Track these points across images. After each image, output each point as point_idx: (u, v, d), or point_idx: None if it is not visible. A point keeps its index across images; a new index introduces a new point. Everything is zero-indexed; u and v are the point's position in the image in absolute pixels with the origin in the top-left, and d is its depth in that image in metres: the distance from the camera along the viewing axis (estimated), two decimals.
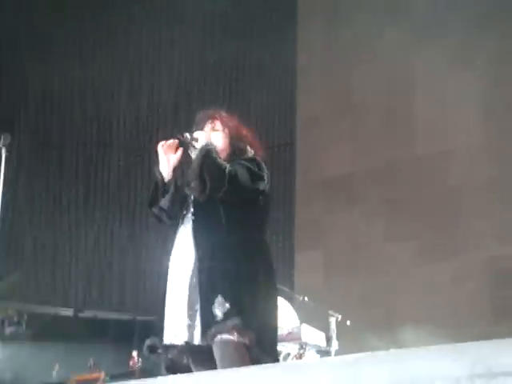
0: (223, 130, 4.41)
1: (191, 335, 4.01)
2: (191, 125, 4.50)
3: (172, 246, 4.30)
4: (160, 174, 4.34)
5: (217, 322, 3.93)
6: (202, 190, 4.16)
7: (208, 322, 3.96)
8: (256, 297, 4.08)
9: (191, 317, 4.03)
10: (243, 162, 4.25)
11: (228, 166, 4.16)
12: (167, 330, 4.12)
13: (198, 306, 4.02)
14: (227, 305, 3.95)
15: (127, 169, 11.71)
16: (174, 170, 4.36)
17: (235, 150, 4.37)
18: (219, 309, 3.95)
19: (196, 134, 4.34)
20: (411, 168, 10.15)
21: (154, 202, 4.37)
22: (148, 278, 10.94)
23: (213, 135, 4.37)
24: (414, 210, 9.94)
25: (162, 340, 4.13)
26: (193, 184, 4.20)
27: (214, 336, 3.93)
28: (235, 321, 3.92)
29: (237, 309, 3.95)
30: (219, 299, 3.96)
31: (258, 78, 11.92)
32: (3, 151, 5.11)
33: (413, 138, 10.28)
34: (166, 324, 4.13)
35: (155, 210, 4.38)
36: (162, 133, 11.63)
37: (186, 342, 4.02)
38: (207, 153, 4.20)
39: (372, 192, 10.35)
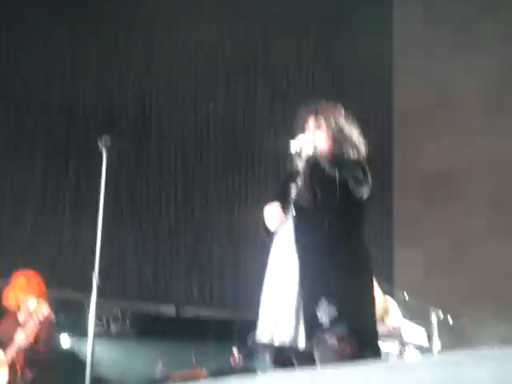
0: (327, 130, 4.35)
1: (295, 338, 3.98)
2: (290, 120, 4.47)
3: (271, 243, 4.30)
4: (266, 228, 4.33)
5: (323, 328, 3.90)
6: (312, 201, 4.15)
7: (313, 326, 3.93)
8: (359, 300, 4.04)
9: (296, 319, 4.00)
10: (351, 168, 4.20)
11: (337, 174, 4.11)
12: (267, 330, 4.09)
13: (301, 308, 3.99)
14: (333, 310, 3.91)
15: (224, 168, 11.78)
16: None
17: (338, 151, 4.31)
18: (325, 314, 3.91)
19: (299, 142, 4.29)
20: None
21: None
22: (249, 277, 11.00)
23: (316, 136, 4.33)
24: None
25: (261, 339, 4.12)
26: (304, 195, 4.20)
27: (320, 342, 3.91)
28: (343, 329, 3.88)
29: (343, 315, 3.92)
30: (323, 302, 3.93)
31: (355, 72, 11.83)
32: (104, 153, 5.20)
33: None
34: (265, 324, 4.11)
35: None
36: (258, 131, 11.70)
37: (290, 345, 3.99)
38: (314, 165, 4.18)
39: (473, 187, 10.18)
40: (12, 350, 6.34)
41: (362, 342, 3.93)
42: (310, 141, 4.28)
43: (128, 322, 11.25)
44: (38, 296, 6.63)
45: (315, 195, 4.13)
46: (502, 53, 10.25)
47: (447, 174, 10.50)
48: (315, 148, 4.26)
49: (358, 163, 4.28)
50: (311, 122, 4.39)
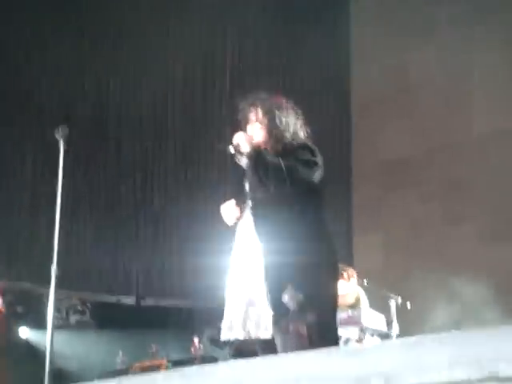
0: (262, 121, 4.37)
1: (256, 326, 3.98)
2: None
3: (233, 236, 4.31)
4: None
5: (289, 314, 3.91)
6: (265, 192, 4.18)
7: (280, 311, 3.94)
8: (322, 286, 4.05)
9: (260, 307, 3.99)
10: (295, 152, 4.23)
11: (281, 162, 4.13)
12: (228, 321, 4.09)
13: (265, 297, 3.99)
14: (300, 295, 3.92)
15: (183, 156, 11.75)
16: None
17: (279, 139, 4.33)
18: (291, 299, 3.92)
19: (236, 140, 4.32)
20: (469, 149, 10.03)
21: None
22: (209, 268, 10.98)
23: (254, 128, 4.37)
24: (472, 192, 9.83)
25: (220, 332, 4.11)
26: (256, 188, 4.23)
27: (287, 327, 3.91)
28: (312, 316, 3.89)
29: (310, 301, 3.93)
30: (290, 289, 3.94)
31: (312, 59, 11.84)
32: (61, 143, 5.15)
33: (471, 118, 10.16)
34: (228, 315, 4.11)
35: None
36: (216, 125, 11.66)
37: (254, 335, 3.99)
38: (256, 159, 4.21)
39: (430, 173, 10.27)
40: None
41: (324, 329, 3.94)
42: (245, 137, 4.31)
43: (88, 313, 11.20)
44: None
45: (266, 186, 4.15)
46: (458, 37, 10.32)
47: (405, 160, 10.57)
48: (253, 142, 4.29)
49: (302, 146, 4.29)
50: (249, 115, 4.42)
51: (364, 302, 7.40)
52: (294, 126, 4.39)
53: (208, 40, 12.02)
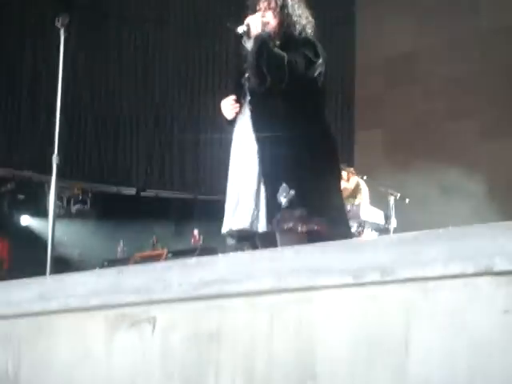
0: (275, 9, 4.24)
1: (255, 222, 4.02)
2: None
3: (232, 131, 4.29)
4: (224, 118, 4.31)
5: (282, 209, 3.93)
6: (261, 84, 4.11)
7: (273, 209, 3.97)
8: (320, 182, 4.06)
9: (255, 204, 4.03)
10: (300, 47, 4.15)
11: (285, 55, 4.06)
12: (230, 216, 4.13)
13: (262, 193, 4.02)
14: (292, 192, 3.94)
15: (184, 47, 11.63)
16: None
17: (287, 30, 4.23)
18: (283, 196, 3.94)
19: (247, 21, 4.21)
20: (474, 44, 9.92)
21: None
22: (208, 160, 11.02)
23: (266, 15, 4.24)
24: (476, 88, 9.77)
25: (225, 226, 4.15)
26: (252, 78, 4.15)
27: (279, 223, 3.95)
28: (301, 211, 3.92)
29: (301, 197, 3.95)
30: (284, 187, 3.95)
31: None
32: (62, 32, 5.09)
33: (477, 13, 10.01)
34: (229, 209, 4.14)
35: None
36: (219, 10, 11.49)
37: (251, 229, 4.03)
38: (262, 44, 4.11)
39: (434, 69, 10.18)
40: None
41: (330, 222, 3.97)
42: (258, 19, 4.20)
43: (89, 203, 11.30)
44: None
45: (264, 76, 4.08)
46: None
47: (408, 56, 10.47)
48: (263, 26, 4.18)
49: (308, 42, 4.22)
50: (261, 2, 4.29)
51: (365, 193, 7.44)
52: (306, 19, 4.29)
53: None
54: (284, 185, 3.96)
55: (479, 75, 9.79)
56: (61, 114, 4.91)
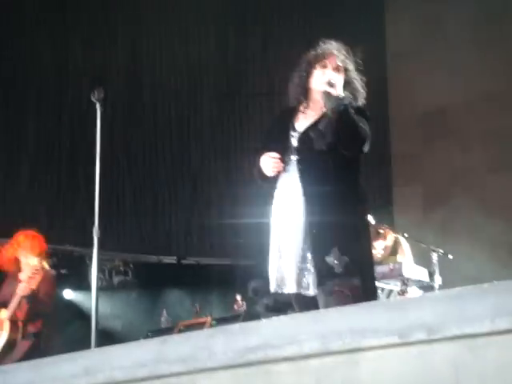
0: (342, 71, 4.14)
1: (302, 285, 3.95)
2: (282, 63, 4.36)
3: (273, 191, 4.18)
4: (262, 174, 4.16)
5: (337, 275, 3.87)
6: (330, 147, 4.00)
7: (324, 273, 3.89)
8: (366, 250, 4.04)
9: (302, 267, 3.96)
10: (361, 114, 4.07)
11: (364, 125, 3.99)
12: (273, 278, 4.04)
13: (310, 256, 3.94)
14: (345, 258, 3.86)
15: (218, 114, 11.73)
16: None
17: (349, 94, 4.11)
18: (337, 261, 3.86)
19: (333, 79, 4.06)
20: (507, 97, 9.90)
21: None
22: (247, 223, 11.02)
23: (337, 77, 4.12)
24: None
25: (266, 285, 4.06)
26: (325, 139, 4.02)
27: (332, 289, 3.87)
28: (358, 279, 3.86)
29: (355, 264, 3.89)
30: (335, 251, 3.88)
31: (345, 13, 11.70)
32: (98, 106, 5.17)
33: (508, 67, 10.01)
34: (273, 272, 4.05)
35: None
36: (250, 78, 11.62)
37: (297, 293, 3.96)
38: (345, 112, 3.96)
39: (469, 123, 10.16)
40: (14, 303, 6.30)
41: (366, 292, 3.93)
42: (340, 84, 4.08)
43: (130, 274, 11.32)
44: (39, 255, 6.59)
45: (338, 140, 3.97)
46: None
47: (442, 111, 10.46)
48: (347, 94, 4.07)
49: (364, 111, 4.14)
50: (329, 63, 4.17)
51: (406, 250, 7.37)
52: (362, 83, 4.21)
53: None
54: (335, 249, 3.89)
55: None
56: (99, 186, 4.96)
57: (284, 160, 4.08)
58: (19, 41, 10.52)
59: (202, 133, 11.67)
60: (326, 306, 3.86)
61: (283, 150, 4.11)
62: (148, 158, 11.37)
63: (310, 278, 3.94)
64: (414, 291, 6.98)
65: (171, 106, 11.60)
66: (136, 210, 11.18)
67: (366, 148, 4.03)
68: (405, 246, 7.39)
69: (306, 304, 3.97)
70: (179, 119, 11.62)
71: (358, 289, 3.87)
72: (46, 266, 6.53)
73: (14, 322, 6.31)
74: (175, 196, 11.46)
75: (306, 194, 4.01)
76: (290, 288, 4.00)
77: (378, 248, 7.18)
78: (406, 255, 7.34)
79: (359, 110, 4.10)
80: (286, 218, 4.08)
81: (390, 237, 7.39)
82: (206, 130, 11.71)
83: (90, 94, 5.22)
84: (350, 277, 3.87)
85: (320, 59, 4.18)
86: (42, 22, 10.81)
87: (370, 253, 4.14)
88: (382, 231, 7.23)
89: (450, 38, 10.56)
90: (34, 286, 6.23)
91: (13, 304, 6.31)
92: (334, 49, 4.21)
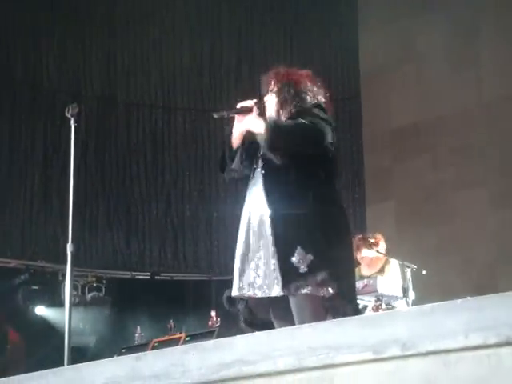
0: (273, 90, 4.32)
1: (270, 287, 3.96)
2: (253, 84, 4.47)
3: (243, 201, 4.27)
4: (229, 141, 4.38)
5: (301, 275, 3.90)
6: (281, 159, 4.12)
7: (290, 273, 3.92)
8: (334, 247, 4.05)
9: (268, 269, 3.98)
10: (312, 112, 4.18)
11: (293, 124, 4.11)
12: (241, 283, 4.08)
13: (275, 258, 3.97)
14: (310, 256, 3.91)
15: (192, 130, 11.75)
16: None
17: (286, 101, 4.26)
18: (301, 260, 3.90)
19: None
20: (479, 114, 9.98)
21: (223, 167, 4.40)
22: (221, 238, 11.03)
23: (269, 99, 4.32)
24: (484, 157, 9.80)
25: (235, 293, 4.10)
26: (271, 158, 4.14)
27: (299, 289, 3.90)
28: (323, 275, 3.89)
29: (321, 261, 3.92)
30: (299, 250, 3.92)
31: (319, 32, 11.78)
32: (72, 122, 5.16)
33: (479, 84, 10.10)
34: (240, 277, 4.10)
35: (226, 174, 4.40)
36: (225, 95, 11.66)
37: (265, 295, 3.99)
38: (273, 131, 4.09)
39: (441, 140, 10.23)
40: None
41: (340, 285, 3.94)
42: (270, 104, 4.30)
43: (103, 290, 11.26)
44: None
45: (281, 154, 4.11)
46: (464, 7, 10.23)
47: (415, 127, 10.52)
48: (271, 112, 4.27)
49: (317, 105, 4.25)
50: (268, 86, 4.37)
51: (394, 270, 7.37)
52: (313, 92, 4.33)
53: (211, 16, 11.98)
54: (300, 248, 3.93)
55: (486, 144, 9.82)
56: (73, 202, 4.94)
57: (251, 167, 4.25)
58: None
59: (175, 150, 11.68)
60: (296, 307, 3.91)
61: (249, 159, 4.29)
62: (122, 173, 11.35)
63: (275, 281, 3.95)
64: (387, 307, 6.99)
65: (145, 122, 11.60)
66: (109, 226, 11.15)
67: (307, 143, 4.11)
68: (393, 266, 7.39)
69: (277, 306, 4.03)
70: (153, 135, 11.62)
71: (324, 284, 3.88)
72: None
73: None
74: (149, 212, 11.44)
75: (267, 194, 4.10)
76: (257, 291, 4.03)
77: (370, 255, 7.26)
78: (392, 271, 7.34)
79: (312, 105, 4.25)
80: (251, 223, 4.15)
81: (382, 244, 7.43)
82: (180, 146, 11.71)
83: (65, 110, 5.20)
84: (314, 275, 3.89)
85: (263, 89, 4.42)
86: (17, 36, 10.79)
87: (342, 248, 4.13)
88: (372, 240, 7.31)
89: (423, 55, 10.64)
90: None
91: None
92: (269, 75, 4.41)
